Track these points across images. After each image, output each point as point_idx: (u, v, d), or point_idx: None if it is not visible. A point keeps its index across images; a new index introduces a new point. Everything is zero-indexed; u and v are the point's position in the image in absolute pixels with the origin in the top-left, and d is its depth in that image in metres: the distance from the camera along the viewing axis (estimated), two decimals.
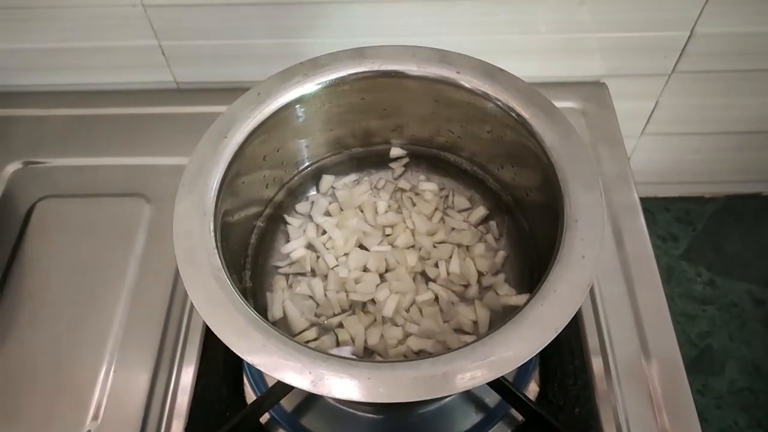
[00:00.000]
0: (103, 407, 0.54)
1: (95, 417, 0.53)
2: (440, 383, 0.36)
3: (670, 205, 0.97)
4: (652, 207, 0.97)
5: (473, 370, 0.36)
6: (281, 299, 0.51)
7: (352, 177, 0.59)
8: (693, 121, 0.82)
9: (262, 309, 0.52)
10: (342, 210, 0.57)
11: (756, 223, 0.95)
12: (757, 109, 0.80)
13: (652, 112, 0.80)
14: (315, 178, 0.58)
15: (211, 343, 0.56)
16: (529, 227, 0.54)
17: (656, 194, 0.97)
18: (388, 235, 0.55)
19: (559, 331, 0.37)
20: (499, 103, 0.48)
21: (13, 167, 0.69)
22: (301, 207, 0.57)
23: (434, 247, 0.55)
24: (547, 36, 0.69)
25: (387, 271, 0.53)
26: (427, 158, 0.59)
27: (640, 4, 0.65)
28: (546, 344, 0.37)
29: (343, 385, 0.36)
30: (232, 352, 0.54)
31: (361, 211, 0.57)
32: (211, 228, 0.43)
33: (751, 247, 0.94)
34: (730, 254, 0.94)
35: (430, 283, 0.53)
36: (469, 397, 0.55)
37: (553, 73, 0.74)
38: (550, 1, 0.65)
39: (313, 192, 0.58)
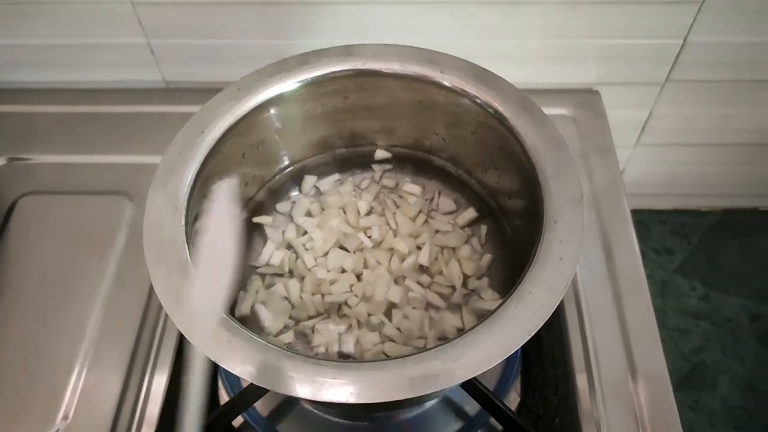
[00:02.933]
0: (73, 407, 0.52)
1: (65, 417, 0.52)
2: (408, 384, 0.35)
3: (666, 218, 0.96)
4: (647, 219, 0.95)
5: (443, 372, 0.35)
6: (252, 298, 0.50)
7: (335, 177, 0.58)
8: (689, 132, 0.81)
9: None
10: (323, 210, 0.56)
11: (753, 237, 0.93)
12: (755, 120, 0.79)
13: (646, 121, 0.78)
14: (297, 178, 0.57)
15: (186, 345, 0.55)
16: (512, 233, 0.53)
17: (651, 206, 0.95)
18: (370, 237, 0.54)
19: (532, 334, 0.36)
20: (481, 103, 0.47)
21: None
22: (282, 206, 0.56)
23: (417, 249, 0.54)
24: (539, 41, 0.68)
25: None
26: (412, 161, 0.58)
27: (633, 11, 0.65)
28: (518, 347, 0.36)
29: (307, 385, 0.35)
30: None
31: (344, 212, 0.56)
32: (182, 223, 0.42)
33: (747, 262, 0.92)
34: (726, 269, 0.92)
35: (411, 283, 0.52)
36: (449, 404, 0.53)
37: (545, 79, 0.73)
38: (543, 6, 0.64)
39: (295, 192, 0.58)
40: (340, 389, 0.34)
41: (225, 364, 0.35)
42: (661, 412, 0.51)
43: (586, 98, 0.73)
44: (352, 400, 0.34)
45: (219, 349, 0.36)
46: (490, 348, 0.36)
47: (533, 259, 0.39)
